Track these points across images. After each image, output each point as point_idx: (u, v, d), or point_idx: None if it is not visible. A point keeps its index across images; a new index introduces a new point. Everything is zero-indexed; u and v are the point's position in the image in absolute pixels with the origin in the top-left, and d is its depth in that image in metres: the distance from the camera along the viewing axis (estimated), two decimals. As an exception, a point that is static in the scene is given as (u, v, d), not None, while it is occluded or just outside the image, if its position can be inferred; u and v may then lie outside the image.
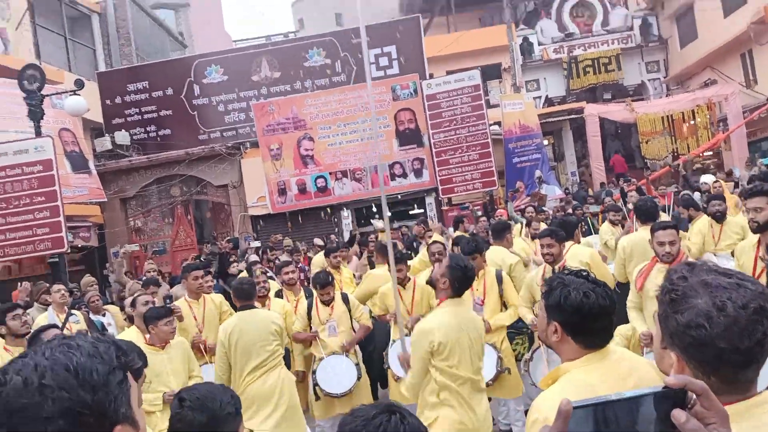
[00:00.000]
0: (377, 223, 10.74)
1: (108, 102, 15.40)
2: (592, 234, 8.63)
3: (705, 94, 16.75)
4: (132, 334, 4.42)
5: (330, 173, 13.98)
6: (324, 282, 5.30)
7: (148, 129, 15.50)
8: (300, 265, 8.39)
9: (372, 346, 6.16)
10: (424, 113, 13.64)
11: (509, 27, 18.25)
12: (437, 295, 3.59)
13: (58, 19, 15.18)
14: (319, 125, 13.98)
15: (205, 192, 14.99)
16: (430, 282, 3.61)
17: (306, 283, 7.41)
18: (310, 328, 5.36)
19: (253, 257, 9.58)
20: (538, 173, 13.77)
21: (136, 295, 5.19)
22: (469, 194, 13.70)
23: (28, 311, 5.34)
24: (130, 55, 16.77)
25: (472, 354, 3.40)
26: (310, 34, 18.75)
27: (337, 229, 13.92)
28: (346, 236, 11.72)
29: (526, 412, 4.49)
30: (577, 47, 19.74)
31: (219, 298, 5.82)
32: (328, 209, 14.05)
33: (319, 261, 7.85)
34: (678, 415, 0.82)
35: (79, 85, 10.02)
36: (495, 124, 14.65)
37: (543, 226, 6.87)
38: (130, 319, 5.27)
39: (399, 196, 13.75)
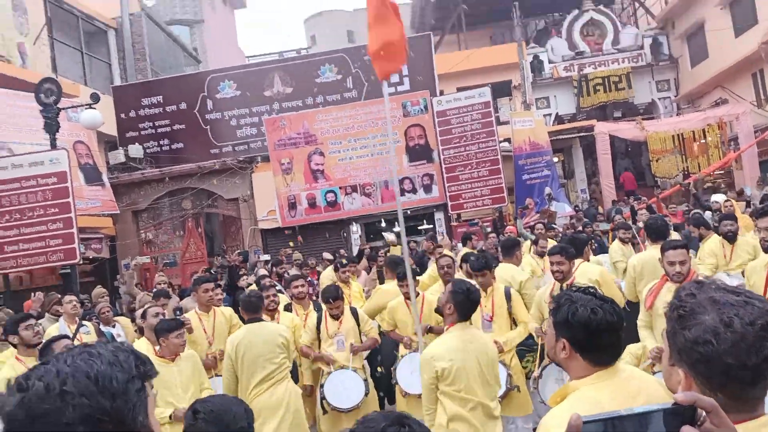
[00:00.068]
0: (389, 236, 10.73)
1: (122, 116, 15.59)
2: (602, 252, 8.59)
3: (716, 113, 16.70)
4: (142, 346, 4.44)
5: (340, 188, 14.04)
6: (333, 296, 5.31)
7: (161, 142, 15.66)
8: (309, 279, 8.41)
9: (379, 362, 6.15)
10: (434, 129, 13.70)
11: (520, 45, 18.34)
12: (445, 321, 3.64)
13: (75, 34, 15.45)
14: (330, 140, 14.07)
15: (216, 205, 15.09)
16: (438, 310, 3.64)
17: (315, 298, 7.41)
18: (319, 341, 5.37)
19: (262, 271, 9.61)
20: (547, 190, 13.74)
21: (146, 306, 5.22)
22: (479, 210, 13.69)
23: (39, 321, 5.38)
24: (144, 69, 17.01)
25: (483, 379, 3.37)
26: (322, 50, 18.95)
27: (346, 243, 13.94)
28: (355, 251, 11.73)
29: (534, 429, 4.45)
30: (587, 65, 19.80)
31: (229, 311, 5.84)
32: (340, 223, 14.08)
33: (328, 275, 7.86)
34: (688, 432, 0.82)
35: (95, 99, 10.16)
36: (505, 140, 14.68)
37: (551, 243, 6.85)
38: (141, 331, 5.30)
39: (408, 212, 13.75)
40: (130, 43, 16.84)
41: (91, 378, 0.92)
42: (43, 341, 4.26)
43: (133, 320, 6.56)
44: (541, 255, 6.91)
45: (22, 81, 11.31)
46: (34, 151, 9.73)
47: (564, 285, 4.65)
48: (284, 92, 15.76)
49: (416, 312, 4.70)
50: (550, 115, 19.57)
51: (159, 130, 15.66)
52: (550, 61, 19.88)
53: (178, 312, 5.85)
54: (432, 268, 6.59)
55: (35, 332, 4.58)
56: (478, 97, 13.55)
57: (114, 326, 6.58)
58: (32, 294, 7.80)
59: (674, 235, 6.25)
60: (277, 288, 6.58)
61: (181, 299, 7.64)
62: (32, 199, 9.00)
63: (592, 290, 1.98)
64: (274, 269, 9.33)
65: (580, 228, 10.21)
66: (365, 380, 5.20)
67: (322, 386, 5.17)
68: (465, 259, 6.01)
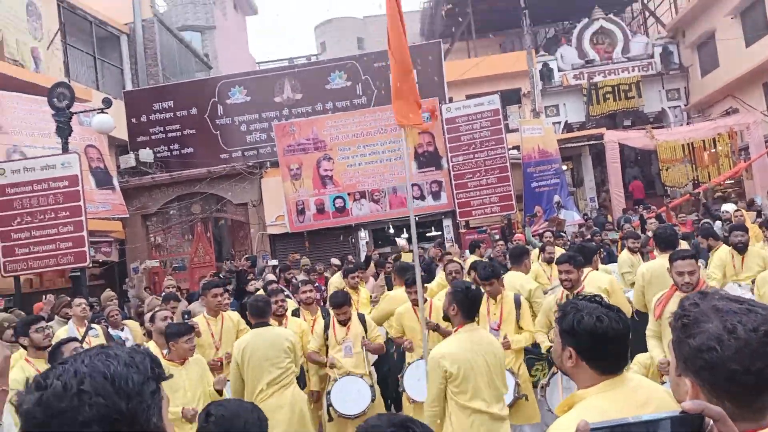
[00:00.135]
0: (400, 241, 10.76)
1: (133, 120, 15.73)
2: (611, 261, 8.55)
3: (726, 122, 16.62)
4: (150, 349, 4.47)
5: (348, 194, 14.07)
6: (341, 301, 5.31)
7: (171, 147, 15.77)
8: (316, 284, 8.42)
9: (387, 369, 6.15)
10: (443, 136, 13.72)
11: (529, 53, 18.36)
12: (453, 324, 3.68)
13: (88, 40, 15.63)
14: (339, 146, 14.11)
15: (224, 210, 15.16)
16: (446, 317, 3.68)
17: (323, 303, 7.43)
18: (327, 347, 5.38)
19: (270, 276, 9.63)
20: (556, 198, 13.72)
21: (155, 310, 5.25)
22: (487, 218, 13.67)
23: (49, 324, 5.43)
24: (156, 75, 17.17)
25: (491, 379, 3.39)
26: (332, 57, 19.03)
27: (354, 249, 13.96)
28: (363, 257, 11.74)
29: (541, 439, 4.44)
30: (597, 74, 19.77)
31: (236, 315, 5.86)
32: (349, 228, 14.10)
33: (336, 281, 7.87)
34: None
35: (107, 103, 10.26)
36: (514, 148, 14.67)
37: (559, 250, 6.84)
38: (149, 334, 5.33)
39: (417, 218, 13.72)
40: (142, 48, 17.01)
41: (107, 378, 0.94)
42: (53, 344, 4.30)
43: (141, 324, 6.60)
44: (549, 262, 6.90)
45: (35, 85, 11.45)
46: (47, 155, 9.83)
47: (573, 293, 4.64)
48: (294, 98, 15.85)
49: (424, 318, 4.70)
50: (559, 123, 19.54)
51: (169, 135, 15.78)
52: (559, 69, 19.87)
53: (186, 316, 5.89)
54: (441, 275, 6.59)
55: (45, 335, 4.62)
56: (488, 105, 13.56)
57: (122, 329, 6.62)
58: (43, 296, 7.87)
59: (683, 245, 6.22)
60: (285, 293, 6.61)
61: (190, 303, 7.68)
62: (44, 202, 9.09)
63: (598, 298, 1.98)
64: (282, 274, 9.36)
65: (589, 237, 10.17)
66: (372, 387, 5.19)
67: (328, 393, 5.17)
68: (474, 267, 6.01)
